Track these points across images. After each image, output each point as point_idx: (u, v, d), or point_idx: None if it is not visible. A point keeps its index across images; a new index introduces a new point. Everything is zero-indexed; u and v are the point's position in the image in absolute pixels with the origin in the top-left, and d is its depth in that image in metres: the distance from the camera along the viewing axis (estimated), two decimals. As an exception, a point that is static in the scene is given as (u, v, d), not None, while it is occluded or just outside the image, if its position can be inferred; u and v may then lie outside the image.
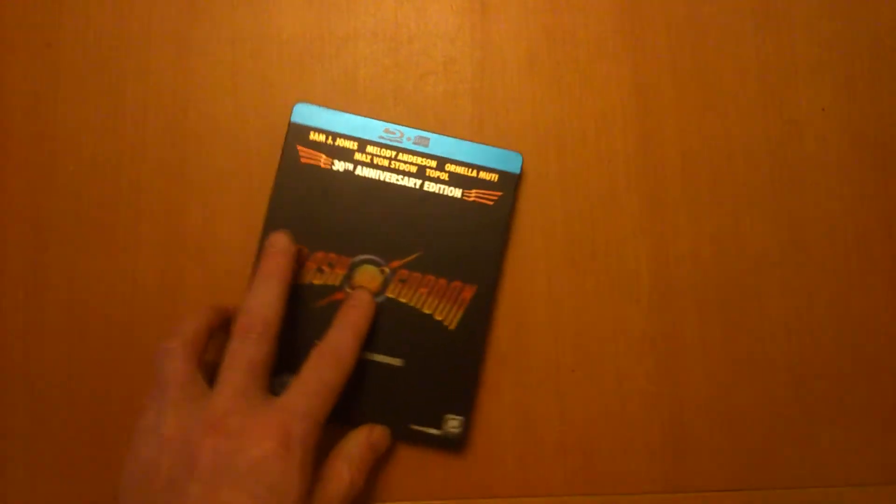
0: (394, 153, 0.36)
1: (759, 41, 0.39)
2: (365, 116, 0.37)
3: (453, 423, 0.34)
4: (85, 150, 0.37)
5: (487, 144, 0.37)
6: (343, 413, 0.33)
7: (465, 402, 0.35)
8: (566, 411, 0.36)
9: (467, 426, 0.35)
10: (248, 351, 0.30)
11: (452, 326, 0.35)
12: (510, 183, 0.36)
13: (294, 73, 0.39)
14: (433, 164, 0.36)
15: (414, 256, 0.35)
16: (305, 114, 0.36)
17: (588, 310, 0.37)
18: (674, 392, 0.36)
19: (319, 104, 0.38)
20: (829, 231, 0.38)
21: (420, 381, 0.35)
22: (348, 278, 0.35)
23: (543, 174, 0.38)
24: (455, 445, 0.35)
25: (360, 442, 0.33)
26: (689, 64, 0.39)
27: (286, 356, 0.33)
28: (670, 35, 0.39)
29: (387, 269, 0.35)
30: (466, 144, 0.36)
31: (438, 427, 0.34)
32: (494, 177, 0.36)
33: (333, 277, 0.35)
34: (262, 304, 0.31)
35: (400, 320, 0.35)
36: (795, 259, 0.38)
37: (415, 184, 0.36)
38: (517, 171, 0.36)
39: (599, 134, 0.38)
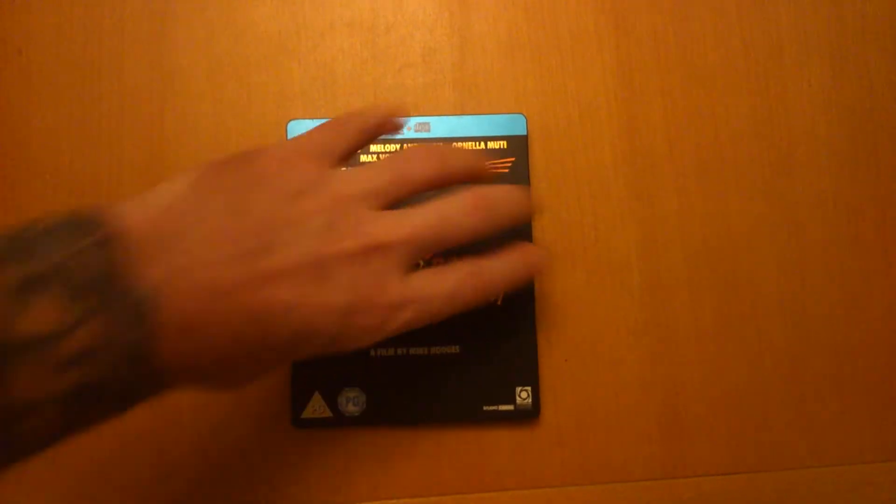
0: (398, 146, 0.36)
1: (743, 18, 0.38)
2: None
3: (524, 395, 0.35)
4: (62, 157, 0.37)
5: (487, 113, 0.37)
6: (410, 413, 0.35)
7: (531, 373, 0.35)
8: (560, 401, 0.36)
9: (537, 395, 0.35)
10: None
11: (499, 302, 0.36)
12: (520, 146, 0.36)
13: (271, 69, 0.38)
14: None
15: None
16: (301, 130, 0.36)
17: (579, 298, 0.37)
18: (668, 377, 0.36)
19: (300, 102, 0.37)
20: (820, 208, 0.37)
21: (481, 362, 0.35)
22: None
23: (530, 163, 0.37)
24: (530, 416, 0.35)
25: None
26: (672, 45, 0.38)
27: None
28: (653, 16, 0.38)
29: (421, 262, 0.35)
30: (467, 119, 0.37)
31: (512, 402, 0.35)
32: (503, 144, 0.36)
33: None
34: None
35: None
36: (787, 238, 0.37)
37: None
38: (524, 132, 0.36)
39: (584, 119, 0.38)
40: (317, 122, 0.36)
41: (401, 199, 0.28)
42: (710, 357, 0.36)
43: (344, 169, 0.28)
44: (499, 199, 0.29)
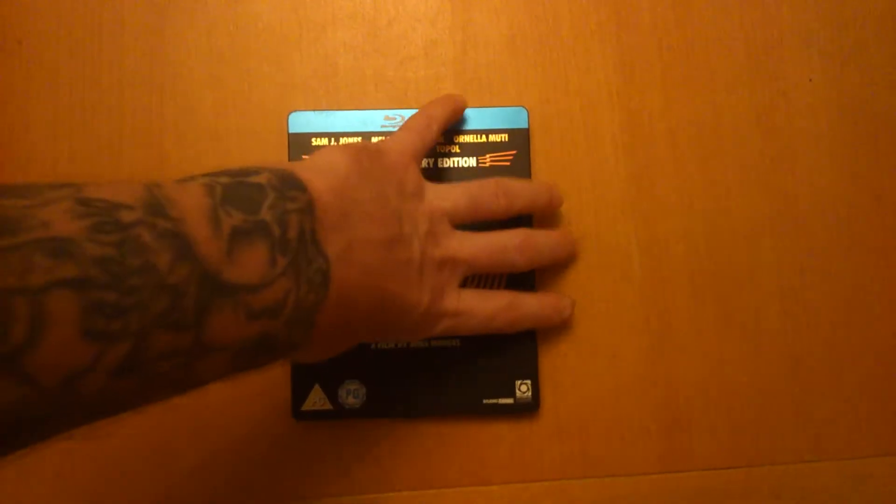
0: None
1: (745, 13, 0.38)
2: (361, 109, 0.36)
3: (524, 388, 0.35)
4: (61, 148, 0.37)
5: (488, 106, 0.37)
6: (410, 406, 0.35)
7: (531, 366, 0.35)
8: (559, 395, 0.36)
9: (537, 388, 0.35)
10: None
11: (503, 281, 0.36)
12: (521, 139, 0.36)
13: (272, 61, 0.38)
14: (441, 139, 0.36)
15: None
16: (302, 122, 0.36)
17: (580, 291, 0.37)
18: (668, 371, 0.36)
19: (301, 95, 0.37)
20: (820, 203, 0.37)
21: (482, 356, 0.35)
22: None
23: (530, 156, 0.37)
24: (530, 409, 0.35)
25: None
26: (674, 38, 0.38)
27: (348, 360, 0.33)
28: (654, 9, 0.38)
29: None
30: (469, 112, 0.36)
31: (512, 395, 0.35)
32: (505, 137, 0.36)
33: None
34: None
35: None
36: (787, 233, 0.37)
37: (427, 163, 0.36)
38: (525, 125, 0.36)
39: (585, 112, 0.37)
40: (318, 115, 0.36)
41: (470, 223, 0.32)
42: (709, 351, 0.36)
43: (432, 183, 0.32)
44: (546, 244, 0.34)
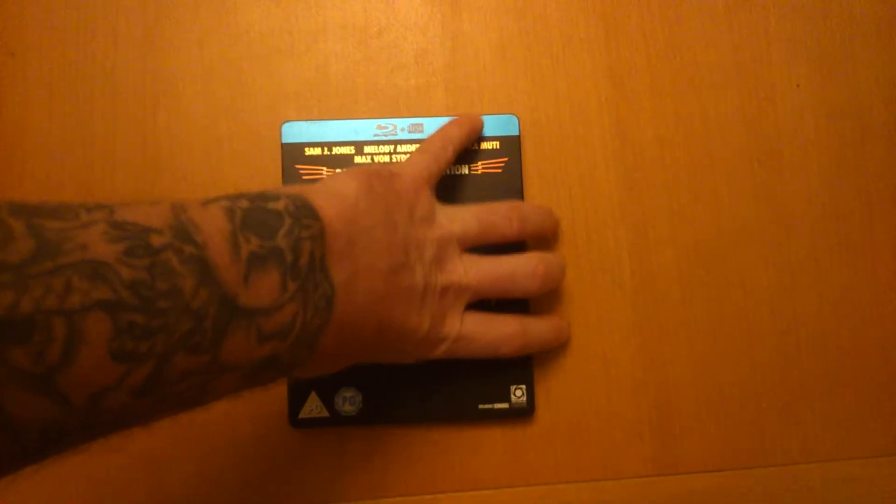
0: (392, 147, 0.36)
1: (732, 19, 0.39)
2: (353, 119, 0.37)
3: (519, 393, 0.35)
4: (55, 159, 0.37)
5: (479, 114, 0.37)
6: (406, 412, 0.35)
7: (525, 371, 0.35)
8: (553, 400, 0.36)
9: (531, 393, 0.35)
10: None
11: (493, 302, 0.35)
12: (512, 146, 0.37)
13: (265, 70, 0.38)
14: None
15: None
16: (295, 132, 0.36)
17: (572, 296, 0.37)
18: (660, 375, 0.36)
19: (293, 104, 0.37)
20: (809, 206, 0.38)
21: (476, 361, 0.34)
22: None
23: (522, 163, 0.38)
24: (525, 414, 0.35)
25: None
26: (662, 45, 0.38)
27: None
28: (642, 16, 0.38)
29: None
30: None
31: (507, 400, 0.35)
32: (496, 144, 0.37)
33: None
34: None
35: None
36: (776, 236, 0.38)
37: None
38: (516, 132, 0.37)
39: (575, 120, 0.38)
40: (311, 124, 0.36)
41: (480, 245, 0.32)
42: (700, 355, 0.37)
43: (444, 205, 0.32)
44: (558, 272, 0.34)
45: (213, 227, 0.22)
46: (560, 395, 0.36)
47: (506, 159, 0.37)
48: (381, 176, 0.29)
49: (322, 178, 0.36)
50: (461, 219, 0.32)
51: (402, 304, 0.28)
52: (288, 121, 0.37)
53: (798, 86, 0.38)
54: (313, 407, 0.35)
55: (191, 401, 0.22)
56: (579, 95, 0.38)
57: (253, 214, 0.23)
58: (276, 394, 0.35)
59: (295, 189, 0.26)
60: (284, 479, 0.35)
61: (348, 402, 0.35)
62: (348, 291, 0.25)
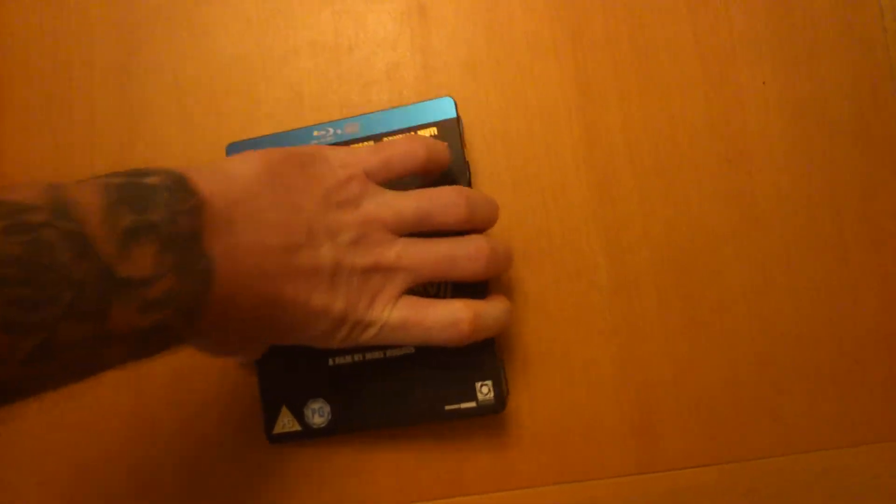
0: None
1: (695, 20, 0.39)
2: (290, 130, 0.37)
3: (485, 390, 0.34)
4: (36, 188, 0.38)
5: (413, 103, 0.36)
6: (374, 419, 0.35)
7: (491, 366, 0.34)
8: (534, 404, 0.37)
9: (499, 387, 0.34)
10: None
11: (449, 295, 0.35)
12: (451, 129, 0.35)
13: (239, 92, 0.39)
14: (371, 144, 0.35)
15: None
16: (239, 151, 0.36)
17: (549, 301, 0.37)
18: (639, 375, 0.37)
19: (268, 123, 0.38)
20: (778, 203, 0.38)
21: (437, 361, 0.34)
22: None
23: (494, 172, 0.38)
24: (494, 410, 0.34)
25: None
26: (627, 51, 0.39)
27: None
28: (607, 24, 0.39)
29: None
30: (393, 111, 0.36)
31: (473, 398, 0.34)
32: (433, 130, 0.36)
33: None
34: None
35: None
36: (748, 233, 0.38)
37: None
38: (453, 114, 0.35)
39: (545, 128, 0.38)
40: (255, 141, 0.36)
41: (420, 231, 0.31)
42: (678, 353, 0.37)
43: (381, 191, 0.31)
44: (504, 254, 0.33)
45: (89, 203, 0.23)
46: (541, 398, 0.37)
47: (445, 144, 0.34)
48: (294, 158, 0.30)
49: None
50: (395, 205, 0.31)
51: (299, 283, 0.28)
52: (231, 142, 0.37)
53: (764, 83, 0.39)
54: (286, 421, 0.35)
55: (82, 370, 0.24)
56: (548, 104, 0.39)
57: (127, 189, 0.24)
58: (254, 411, 0.36)
59: (177, 168, 0.27)
60: (265, 496, 0.36)
61: (317, 413, 0.35)
62: (230, 266, 0.26)
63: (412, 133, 0.35)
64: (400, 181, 0.32)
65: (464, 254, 0.31)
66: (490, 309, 0.32)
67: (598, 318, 0.37)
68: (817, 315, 0.38)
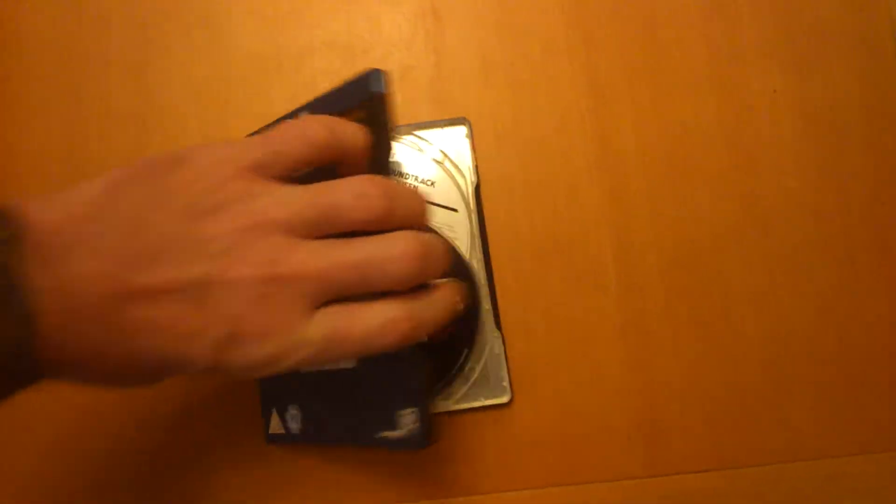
0: None
1: (707, 29, 0.40)
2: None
3: (410, 419, 0.28)
4: (50, 182, 0.38)
5: (342, 85, 0.30)
6: (326, 434, 0.33)
7: (415, 390, 0.28)
8: (542, 404, 0.37)
9: (425, 418, 0.28)
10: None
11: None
12: (377, 107, 0.29)
13: (254, 90, 0.39)
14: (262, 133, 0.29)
15: None
16: None
17: (558, 303, 0.38)
18: (646, 378, 0.37)
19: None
20: (787, 209, 0.38)
21: (373, 380, 0.30)
22: None
23: (507, 174, 0.39)
24: (416, 444, 0.29)
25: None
26: (639, 56, 0.39)
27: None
28: (621, 28, 0.39)
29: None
30: (323, 97, 0.32)
31: (396, 428, 0.29)
32: (363, 115, 0.29)
33: None
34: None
35: None
36: (756, 239, 0.38)
37: None
38: (380, 89, 0.29)
39: (557, 131, 0.39)
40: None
41: (332, 233, 0.26)
42: (685, 356, 0.37)
43: (274, 187, 0.26)
44: (440, 251, 0.27)
45: None
46: (548, 398, 0.37)
47: (356, 125, 0.29)
48: (147, 171, 0.26)
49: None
50: (292, 202, 0.26)
51: (155, 308, 0.24)
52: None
53: (775, 91, 0.39)
54: (275, 424, 0.35)
55: None
56: (561, 106, 0.39)
57: None
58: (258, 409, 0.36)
59: (12, 199, 0.24)
60: (265, 496, 0.36)
61: (293, 419, 0.34)
62: (60, 301, 0.23)
63: (317, 115, 0.28)
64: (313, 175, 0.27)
65: (387, 255, 0.26)
66: (430, 298, 0.28)
67: (605, 320, 0.38)
68: (824, 321, 0.38)
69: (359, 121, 0.28)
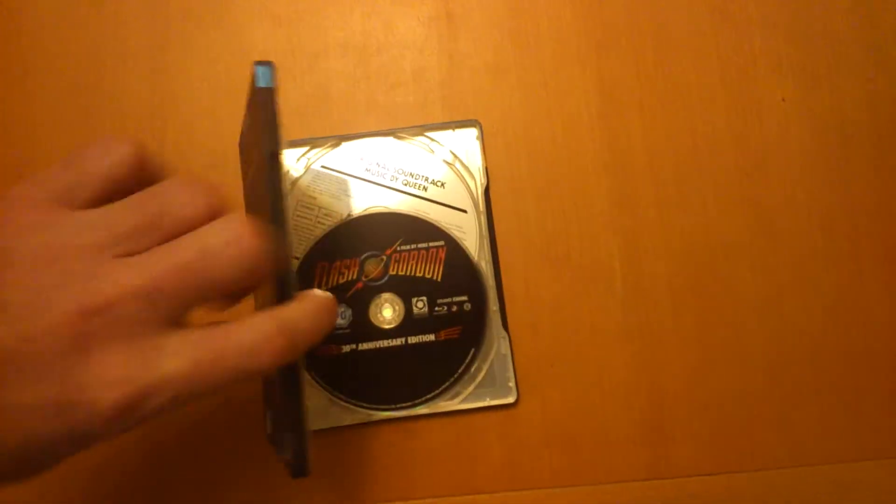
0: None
1: (718, 37, 0.40)
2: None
3: (289, 444, 0.25)
4: (66, 175, 0.38)
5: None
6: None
7: (291, 416, 0.25)
8: (547, 406, 0.37)
9: (298, 448, 0.25)
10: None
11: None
12: (262, 103, 0.26)
13: (268, 89, 0.39)
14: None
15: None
16: None
17: (565, 305, 0.38)
18: (652, 381, 0.37)
19: (295, 120, 0.39)
20: (794, 218, 0.39)
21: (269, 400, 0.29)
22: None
23: (516, 176, 0.39)
24: (291, 472, 0.25)
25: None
26: (651, 62, 0.40)
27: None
28: (632, 34, 0.40)
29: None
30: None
31: (282, 450, 0.26)
32: (254, 112, 0.28)
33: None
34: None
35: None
36: (763, 246, 0.39)
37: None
38: (264, 84, 0.27)
39: (568, 135, 0.39)
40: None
41: (161, 240, 0.22)
42: (691, 361, 0.38)
43: (79, 213, 0.22)
44: (263, 231, 0.23)
45: None
46: (554, 400, 0.37)
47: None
48: None
49: None
50: (101, 221, 0.22)
51: None
52: None
53: (783, 100, 0.40)
54: (268, 423, 0.34)
55: None
56: (571, 111, 0.39)
57: None
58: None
59: None
60: (271, 494, 0.36)
61: (270, 421, 0.33)
62: None
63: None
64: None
65: (217, 242, 0.22)
66: (301, 307, 0.24)
67: (612, 323, 0.38)
68: (830, 329, 0.38)
69: (250, 118, 0.26)
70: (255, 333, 0.22)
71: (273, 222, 0.24)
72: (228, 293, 0.23)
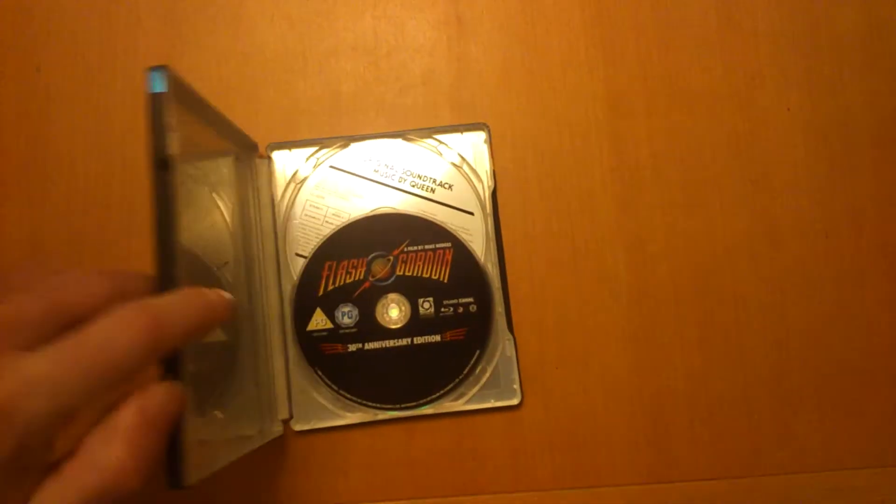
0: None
1: (724, 45, 0.40)
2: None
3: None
4: (77, 170, 0.39)
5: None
6: None
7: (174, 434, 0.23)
8: (551, 408, 0.37)
9: (173, 453, 0.24)
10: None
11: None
12: (154, 108, 0.25)
13: (279, 89, 0.40)
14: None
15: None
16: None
17: (570, 309, 0.38)
18: (655, 385, 0.38)
19: (306, 120, 0.39)
20: (799, 224, 0.39)
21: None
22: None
23: (523, 179, 0.39)
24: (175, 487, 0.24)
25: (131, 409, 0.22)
26: (657, 69, 0.40)
27: None
28: (639, 42, 0.40)
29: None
30: None
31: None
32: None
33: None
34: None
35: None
36: (767, 252, 0.39)
37: None
38: (157, 89, 0.26)
39: (574, 139, 0.39)
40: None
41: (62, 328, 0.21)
42: (694, 366, 0.38)
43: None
44: (173, 310, 0.23)
45: None
46: (558, 401, 0.37)
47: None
48: None
49: None
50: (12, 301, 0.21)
51: None
52: (273, 142, 0.39)
53: (788, 109, 0.40)
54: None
55: None
56: (578, 116, 0.40)
57: None
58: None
59: None
60: (279, 490, 0.36)
61: None
62: None
63: None
64: None
65: (115, 327, 0.21)
66: (171, 298, 0.24)
67: (616, 326, 0.38)
68: (832, 337, 0.38)
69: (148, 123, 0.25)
70: (115, 318, 0.22)
71: (157, 236, 0.24)
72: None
